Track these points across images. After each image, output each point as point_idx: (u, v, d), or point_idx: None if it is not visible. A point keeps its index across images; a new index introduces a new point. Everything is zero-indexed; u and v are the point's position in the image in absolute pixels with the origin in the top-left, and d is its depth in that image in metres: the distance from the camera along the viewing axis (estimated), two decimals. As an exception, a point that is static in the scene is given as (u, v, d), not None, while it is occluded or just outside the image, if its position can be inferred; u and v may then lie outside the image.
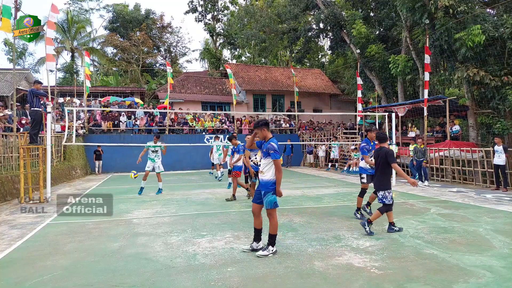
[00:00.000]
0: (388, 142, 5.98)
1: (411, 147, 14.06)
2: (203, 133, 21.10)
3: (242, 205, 8.35)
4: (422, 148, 12.60)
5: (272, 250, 4.56)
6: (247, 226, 6.10)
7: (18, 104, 18.68)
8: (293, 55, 34.90)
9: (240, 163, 9.16)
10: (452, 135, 14.53)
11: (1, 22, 10.21)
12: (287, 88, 27.90)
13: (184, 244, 5.09)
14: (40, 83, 9.64)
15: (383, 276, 3.78)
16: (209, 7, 40.66)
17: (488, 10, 16.46)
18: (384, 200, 5.57)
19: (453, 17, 14.49)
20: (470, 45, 13.29)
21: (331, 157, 19.31)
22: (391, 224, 5.73)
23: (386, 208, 5.59)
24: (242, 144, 9.17)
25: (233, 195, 9.08)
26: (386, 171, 5.66)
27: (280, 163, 4.61)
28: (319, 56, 40.15)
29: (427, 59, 14.40)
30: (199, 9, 40.48)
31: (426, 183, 12.00)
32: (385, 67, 20.44)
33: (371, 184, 6.25)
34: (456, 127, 14.97)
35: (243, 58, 41.69)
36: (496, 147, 10.71)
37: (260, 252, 4.53)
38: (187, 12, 40.64)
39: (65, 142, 11.04)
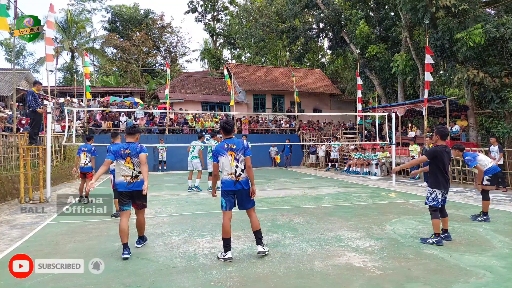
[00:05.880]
0: None
1: (411, 147, 14.03)
2: (203, 133, 21.05)
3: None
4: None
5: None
6: (247, 226, 6.09)
7: (20, 104, 18.68)
8: (292, 54, 34.88)
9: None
10: (452, 135, 14.51)
11: None
12: (287, 88, 27.88)
13: (184, 244, 5.10)
14: (40, 83, 9.62)
15: (383, 276, 3.78)
16: (209, 7, 40.67)
17: (488, 10, 16.46)
18: None
19: (454, 16, 14.47)
20: (470, 45, 13.27)
21: (331, 157, 19.32)
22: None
23: None
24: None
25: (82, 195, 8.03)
26: None
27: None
28: (319, 56, 40.13)
29: (428, 59, 14.40)
30: (199, 9, 40.51)
31: None
32: (385, 67, 20.43)
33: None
34: (456, 127, 14.95)
35: (242, 58, 41.70)
36: (491, 147, 10.70)
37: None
38: (187, 12, 40.67)
39: (65, 142, 11.03)
